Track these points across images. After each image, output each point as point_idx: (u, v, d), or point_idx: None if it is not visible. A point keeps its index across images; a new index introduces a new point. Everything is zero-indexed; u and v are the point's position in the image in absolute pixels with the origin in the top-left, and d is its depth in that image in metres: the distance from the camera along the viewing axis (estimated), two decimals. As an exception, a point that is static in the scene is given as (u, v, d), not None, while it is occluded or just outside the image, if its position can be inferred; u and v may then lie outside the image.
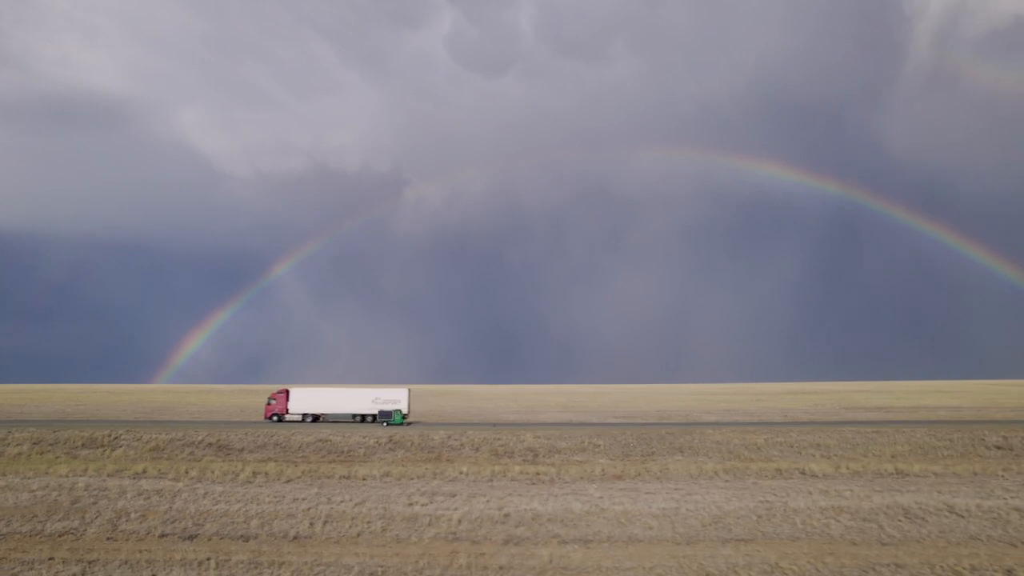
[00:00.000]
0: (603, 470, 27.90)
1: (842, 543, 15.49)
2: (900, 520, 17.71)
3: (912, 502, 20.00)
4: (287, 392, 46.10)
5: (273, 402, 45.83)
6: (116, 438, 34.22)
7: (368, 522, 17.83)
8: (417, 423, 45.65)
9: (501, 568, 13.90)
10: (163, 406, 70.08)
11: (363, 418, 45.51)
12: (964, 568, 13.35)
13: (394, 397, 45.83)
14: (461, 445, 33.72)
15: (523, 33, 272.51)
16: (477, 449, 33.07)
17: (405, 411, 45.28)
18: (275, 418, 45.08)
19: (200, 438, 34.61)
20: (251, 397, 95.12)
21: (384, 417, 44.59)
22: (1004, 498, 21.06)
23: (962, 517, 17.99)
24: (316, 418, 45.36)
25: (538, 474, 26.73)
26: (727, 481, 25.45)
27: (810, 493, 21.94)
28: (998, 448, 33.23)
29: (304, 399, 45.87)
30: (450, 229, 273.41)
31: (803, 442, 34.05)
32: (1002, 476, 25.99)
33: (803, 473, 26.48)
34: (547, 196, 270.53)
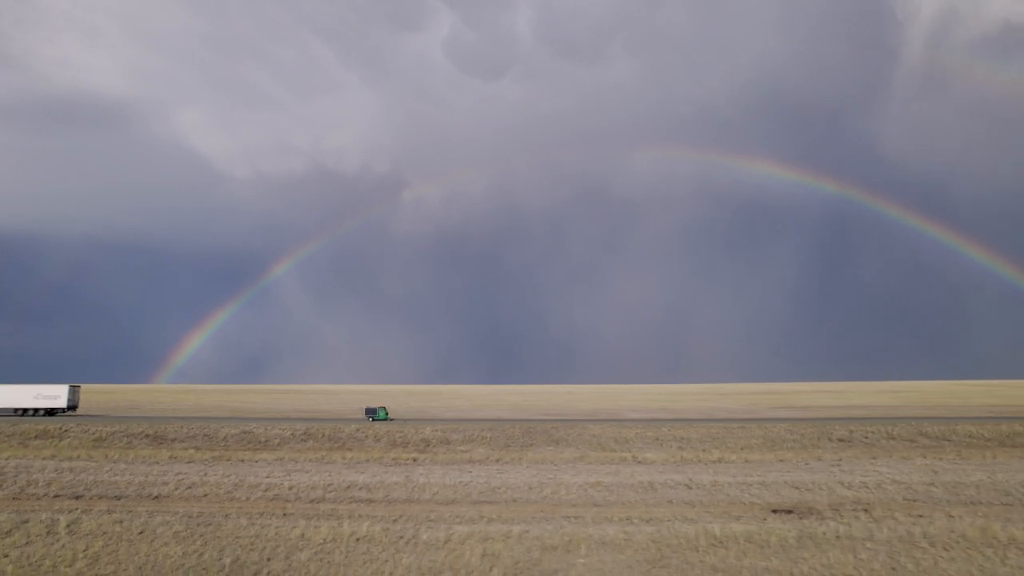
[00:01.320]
0: (470, 457, 32.71)
1: (563, 504, 20.26)
2: (636, 490, 22.47)
3: (674, 479, 24.73)
4: None
5: None
6: (66, 431, 39.43)
7: (218, 486, 22.82)
8: (397, 420, 50.81)
9: (288, 515, 18.74)
10: (155, 405, 75.47)
11: (25, 411, 53.36)
12: (620, 518, 18.08)
13: (54, 393, 53.92)
14: (366, 436, 38.65)
15: (521, 36, 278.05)
16: (379, 440, 37.97)
17: (64, 405, 53.51)
18: None
19: (140, 430, 39.77)
20: (242, 396, 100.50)
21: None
22: (765, 476, 25.69)
23: (691, 489, 22.69)
24: None
25: (414, 459, 31.61)
26: (569, 464, 30.17)
27: (600, 473, 26.69)
28: (840, 441, 37.68)
29: None
30: (449, 230, 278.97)
31: (670, 436, 38.68)
32: (817, 460, 30.50)
33: (638, 461, 31.15)
34: (546, 197, 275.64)
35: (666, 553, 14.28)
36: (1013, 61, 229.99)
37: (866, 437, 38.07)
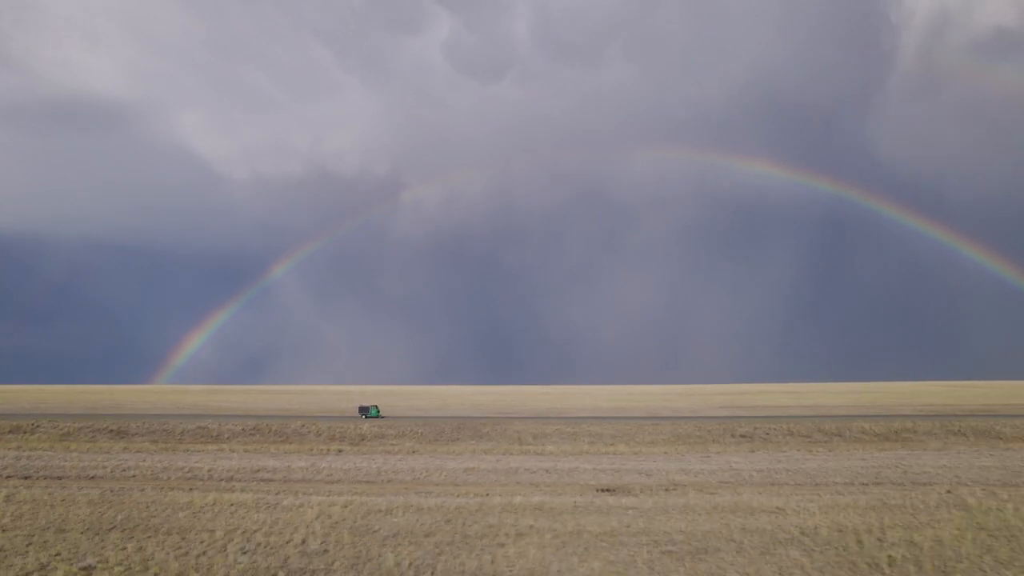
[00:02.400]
0: (396, 449, 36.79)
1: (428, 484, 24.33)
2: (499, 474, 26.54)
3: (540, 467, 28.82)
4: None
5: None
6: (37, 426, 43.79)
7: (149, 469, 27.02)
8: (388, 417, 55.18)
9: (193, 489, 22.84)
10: (145, 405, 79.89)
11: None
12: (458, 493, 22.13)
13: None
14: (307, 431, 42.82)
15: (520, 38, 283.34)
16: (319, 435, 42.11)
17: None
18: None
19: (105, 426, 44.06)
20: (243, 396, 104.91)
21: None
22: (629, 464, 29.67)
23: (548, 474, 26.73)
24: None
25: (339, 451, 35.73)
26: (474, 455, 34.20)
27: (484, 461, 30.74)
28: (742, 436, 41.52)
29: None
30: (448, 231, 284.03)
31: (586, 432, 42.62)
32: (700, 453, 34.38)
33: (538, 453, 35.14)
34: (545, 198, 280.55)
35: (461, 515, 18.33)
36: (1005, 64, 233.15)
37: (767, 434, 41.91)
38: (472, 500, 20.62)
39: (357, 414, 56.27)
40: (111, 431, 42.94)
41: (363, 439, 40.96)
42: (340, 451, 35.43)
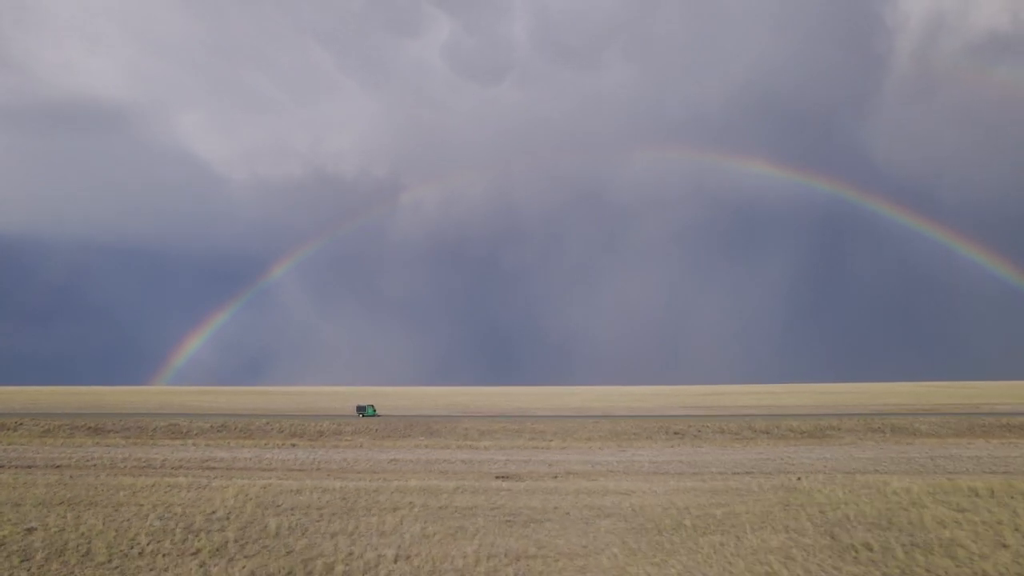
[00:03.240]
0: (349, 443, 40.30)
1: (350, 471, 27.80)
2: (418, 464, 29.98)
3: (459, 458, 32.26)
4: None
5: None
6: (21, 424, 47.46)
7: (109, 459, 30.56)
8: (384, 415, 58.91)
9: (141, 475, 26.31)
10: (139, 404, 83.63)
11: None
12: (376, 478, 25.57)
13: None
14: (272, 428, 46.37)
15: (519, 41, 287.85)
16: (281, 431, 45.68)
17: None
18: None
19: (84, 424, 47.72)
20: (244, 397, 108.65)
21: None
22: (540, 456, 33.08)
23: (465, 464, 30.18)
24: None
25: (293, 444, 39.26)
26: (410, 449, 37.65)
27: (414, 453, 34.20)
28: (675, 434, 44.89)
29: None
30: (447, 232, 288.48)
31: (530, 429, 46.06)
32: (623, 447, 37.74)
33: (474, 447, 38.60)
34: (544, 199, 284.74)
35: (358, 494, 21.80)
36: (999, 67, 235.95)
37: (698, 431, 45.24)
38: (376, 484, 24.10)
39: (355, 413, 60.15)
40: (89, 428, 46.58)
41: (321, 435, 44.50)
42: (294, 445, 38.97)
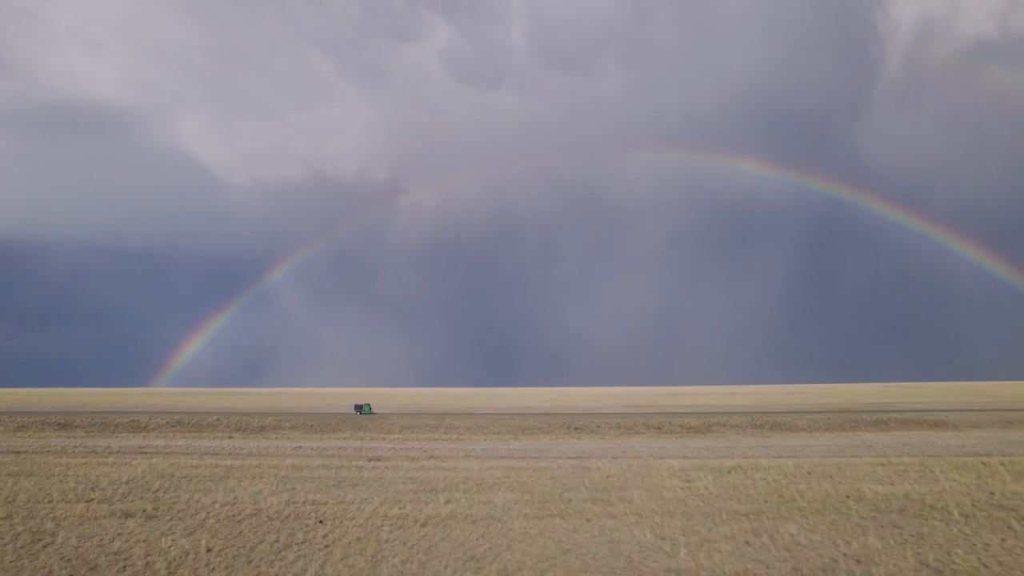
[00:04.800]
0: (285, 435, 47.12)
1: (252, 455, 34.57)
2: (319, 452, 36.74)
3: (355, 447, 38.99)
4: None
5: None
6: None
7: (63, 447, 37.48)
8: (380, 413, 65.74)
9: (84, 457, 33.14)
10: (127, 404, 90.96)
11: None
12: (265, 459, 32.33)
13: None
14: (220, 423, 53.28)
15: (516, 48, 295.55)
16: (228, 426, 52.57)
17: None
18: None
19: (54, 420, 54.81)
20: (243, 398, 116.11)
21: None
22: (422, 445, 39.71)
23: (356, 450, 36.88)
24: None
25: (230, 437, 46.11)
26: (321, 439, 44.38)
27: (325, 443, 40.95)
28: (576, 429, 51.40)
29: None
30: (445, 235, 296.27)
31: (453, 425, 52.70)
32: (517, 438, 44.31)
33: (382, 438, 45.30)
34: (540, 203, 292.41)
35: (238, 468, 28.54)
36: (987, 70, 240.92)
37: (596, 427, 51.75)
38: (262, 462, 30.87)
39: (353, 411, 67.68)
40: (58, 424, 53.65)
41: (262, 429, 51.37)
42: (231, 437, 45.82)
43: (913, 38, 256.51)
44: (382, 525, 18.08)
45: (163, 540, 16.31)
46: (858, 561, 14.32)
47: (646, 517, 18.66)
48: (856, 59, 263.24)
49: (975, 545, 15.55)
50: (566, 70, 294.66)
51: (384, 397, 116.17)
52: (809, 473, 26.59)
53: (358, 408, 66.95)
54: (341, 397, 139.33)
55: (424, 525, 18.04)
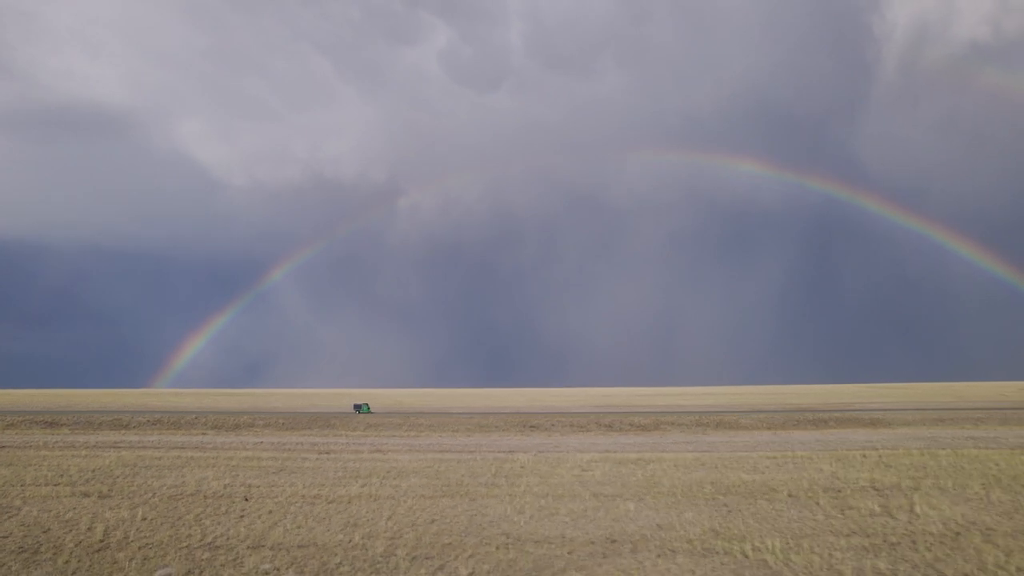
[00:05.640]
0: (240, 433, 50.93)
1: (219, 448, 38.38)
2: (273, 446, 40.52)
3: (309, 442, 42.78)
4: None
5: None
6: (-10, 417, 58.57)
7: (43, 442, 41.34)
8: (378, 412, 69.70)
9: (60, 451, 36.94)
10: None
11: None
12: (226, 453, 36.13)
13: None
14: (197, 422, 57.13)
15: (514, 49, 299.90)
16: (205, 424, 56.40)
17: None
18: None
19: (42, 419, 58.73)
20: (247, 399, 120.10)
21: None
22: (379, 440, 43.46)
23: (311, 446, 40.66)
24: None
25: (203, 434, 49.95)
26: (314, 437, 48.17)
27: (288, 439, 44.75)
28: (531, 427, 55.10)
29: None
30: (444, 236, 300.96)
31: (413, 423, 56.48)
32: (472, 434, 48.03)
33: (343, 436, 49.06)
34: (539, 204, 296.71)
35: (197, 460, 32.33)
36: (982, 73, 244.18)
37: (552, 426, 55.45)
38: (217, 454, 34.64)
39: (352, 410, 71.71)
40: (45, 422, 57.58)
41: (236, 427, 55.22)
42: (203, 434, 49.67)
43: (908, 41, 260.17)
44: (296, 502, 21.82)
45: (108, 512, 20.09)
46: (661, 527, 18.00)
47: (518, 497, 22.38)
48: (853, 61, 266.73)
49: (772, 517, 19.21)
50: (565, 71, 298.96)
51: (370, 397, 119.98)
52: (702, 464, 30.27)
53: (357, 407, 70.83)
54: (332, 397, 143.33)
55: (331, 503, 21.78)
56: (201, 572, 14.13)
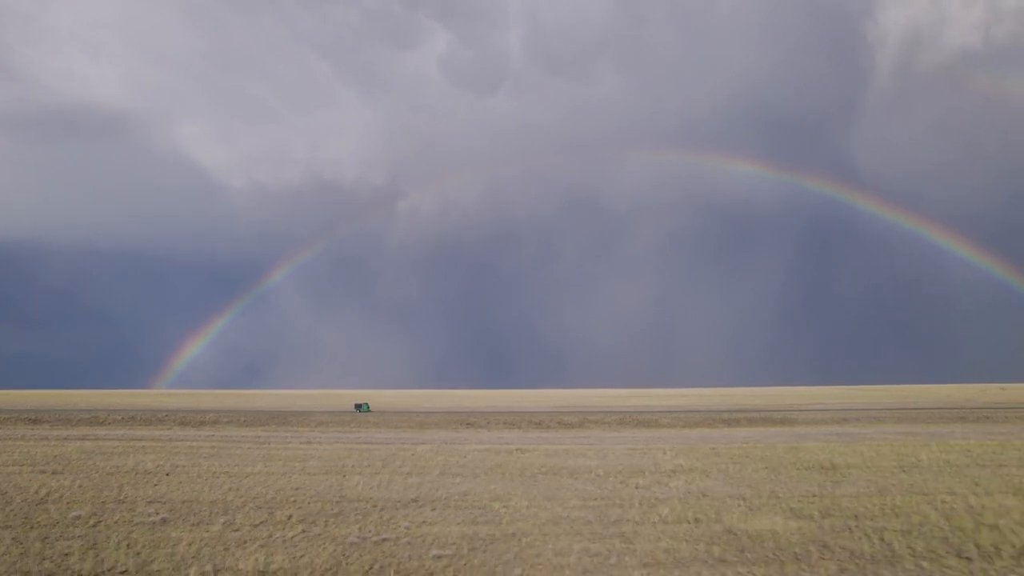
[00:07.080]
0: (208, 428, 57.59)
1: (183, 440, 45.04)
2: (241, 440, 47.17)
3: (277, 435, 49.40)
4: None
5: None
6: (-19, 414, 65.57)
7: (21, 435, 48.12)
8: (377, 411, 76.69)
9: (36, 441, 43.63)
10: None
11: None
12: (192, 445, 42.78)
13: None
14: (169, 419, 63.89)
15: (513, 53, 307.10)
16: (175, 421, 63.12)
17: None
18: None
19: (25, 416, 65.67)
20: (247, 399, 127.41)
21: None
22: (341, 435, 50.00)
23: (272, 438, 47.25)
24: None
25: (169, 428, 56.66)
26: (262, 431, 54.75)
27: (245, 433, 51.38)
28: (467, 424, 61.54)
29: None
30: (444, 238, 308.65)
31: (385, 422, 63.00)
32: (427, 431, 54.47)
33: (312, 430, 55.64)
34: (538, 206, 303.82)
35: (151, 448, 38.95)
36: (973, 79, 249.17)
37: (487, 423, 61.85)
38: (166, 444, 41.24)
39: (353, 409, 78.94)
40: (28, 419, 64.56)
41: (203, 423, 61.98)
42: (169, 429, 56.42)
43: (901, 47, 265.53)
44: (206, 477, 28.32)
45: (54, 482, 26.67)
46: (466, 494, 24.36)
47: (383, 475, 28.81)
48: (847, 66, 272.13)
49: (553, 488, 25.51)
50: (564, 73, 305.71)
51: (365, 398, 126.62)
52: (566, 453, 36.57)
53: (357, 407, 78.04)
54: (322, 398, 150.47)
55: (232, 477, 28.28)
56: (103, 515, 20.62)
